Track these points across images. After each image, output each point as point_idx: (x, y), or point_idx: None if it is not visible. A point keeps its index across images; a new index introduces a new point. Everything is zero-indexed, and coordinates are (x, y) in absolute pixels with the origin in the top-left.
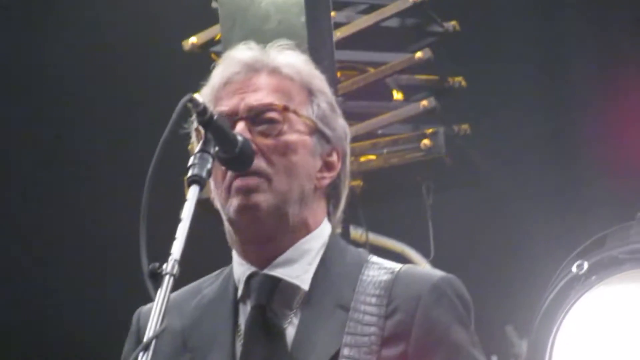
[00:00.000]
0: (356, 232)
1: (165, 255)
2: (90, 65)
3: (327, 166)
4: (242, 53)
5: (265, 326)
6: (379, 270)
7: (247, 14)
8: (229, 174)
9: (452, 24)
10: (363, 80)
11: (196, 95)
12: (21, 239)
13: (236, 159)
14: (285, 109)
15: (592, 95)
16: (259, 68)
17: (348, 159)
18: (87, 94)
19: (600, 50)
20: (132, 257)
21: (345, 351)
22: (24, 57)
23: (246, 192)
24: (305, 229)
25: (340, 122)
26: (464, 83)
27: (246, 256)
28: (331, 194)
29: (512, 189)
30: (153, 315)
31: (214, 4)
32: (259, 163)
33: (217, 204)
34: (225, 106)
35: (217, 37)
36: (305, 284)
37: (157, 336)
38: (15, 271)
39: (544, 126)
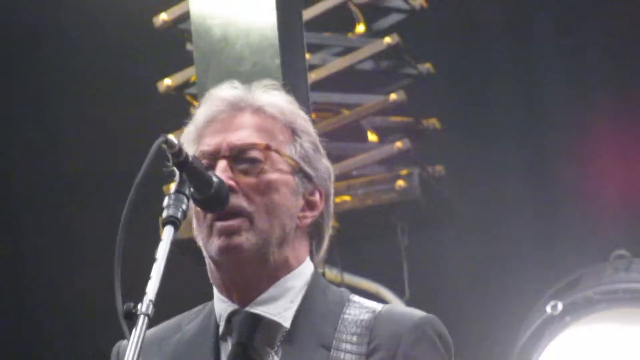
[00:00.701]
0: (331, 273)
1: (141, 295)
2: (65, 108)
3: (309, 205)
4: (227, 92)
5: None
6: (360, 309)
7: (222, 56)
8: (209, 214)
9: (426, 67)
10: (337, 122)
11: (170, 137)
12: None
13: (211, 199)
14: (268, 148)
15: (567, 137)
16: (242, 107)
17: (332, 199)
18: (64, 134)
19: (575, 90)
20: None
21: None
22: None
23: (228, 233)
24: (286, 267)
25: (324, 162)
26: (438, 125)
27: (227, 294)
28: (313, 233)
29: (487, 229)
30: (128, 355)
31: (188, 46)
32: (240, 202)
33: (199, 242)
34: (207, 145)
35: (192, 79)
36: (287, 321)
37: None
38: None
39: (518, 166)
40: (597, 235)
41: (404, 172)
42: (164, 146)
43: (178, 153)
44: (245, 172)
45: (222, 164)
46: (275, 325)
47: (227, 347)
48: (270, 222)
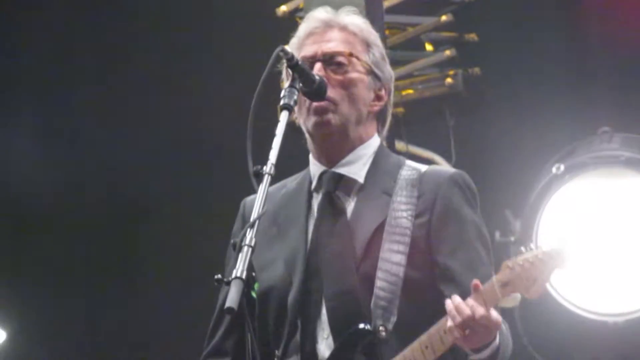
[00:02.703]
0: (399, 144)
1: (265, 159)
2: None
3: (378, 98)
4: (321, 14)
5: (332, 206)
6: (411, 170)
7: None
8: (308, 100)
9: None
10: (404, 36)
11: (286, 47)
12: None
13: (314, 91)
14: (350, 54)
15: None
16: (332, 25)
17: (392, 94)
18: (197, 54)
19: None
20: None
21: (391, 220)
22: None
23: (320, 112)
24: (360, 140)
25: (388, 68)
26: (476, 38)
27: (319, 159)
28: (379, 117)
29: (509, 113)
30: (256, 203)
31: None
32: (330, 92)
33: (300, 122)
34: (307, 51)
35: (301, 6)
36: (361, 178)
37: (260, 217)
38: None
39: (547, 62)
40: (588, 116)
41: (451, 72)
42: (281, 53)
43: (291, 58)
44: (334, 72)
45: (317, 65)
46: (352, 181)
47: (317, 197)
48: (350, 108)
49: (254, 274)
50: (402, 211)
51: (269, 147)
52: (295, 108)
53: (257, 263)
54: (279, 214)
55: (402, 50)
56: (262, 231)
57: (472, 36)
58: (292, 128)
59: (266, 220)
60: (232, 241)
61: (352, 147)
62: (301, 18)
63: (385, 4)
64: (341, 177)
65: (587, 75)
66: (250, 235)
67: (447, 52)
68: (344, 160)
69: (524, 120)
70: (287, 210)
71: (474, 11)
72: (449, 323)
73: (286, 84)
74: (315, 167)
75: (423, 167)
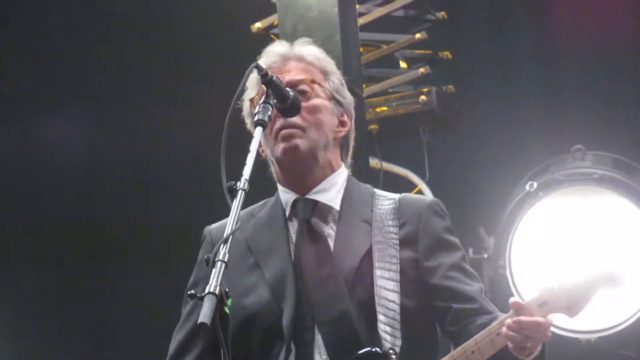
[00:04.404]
0: (373, 161)
1: (239, 175)
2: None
3: (342, 123)
4: (277, 48)
5: (311, 233)
6: (386, 199)
7: (296, 6)
8: (276, 126)
9: (441, 14)
10: (379, 53)
11: (260, 63)
12: None
13: (289, 107)
14: (312, 81)
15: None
16: (290, 57)
17: (353, 119)
18: (171, 70)
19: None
20: None
21: (376, 247)
22: None
23: (289, 138)
24: (330, 167)
25: (348, 94)
26: (450, 56)
27: (290, 186)
28: (343, 143)
29: (482, 130)
30: (230, 219)
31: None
32: (295, 119)
33: (268, 153)
34: None
35: (275, 22)
36: (336, 205)
37: (233, 232)
38: None
39: (502, 85)
40: (561, 134)
41: (425, 89)
42: (255, 69)
43: (265, 74)
44: None
45: None
46: (328, 208)
47: (293, 225)
48: (317, 133)
49: (226, 289)
50: (386, 240)
51: (243, 163)
52: (262, 141)
53: (235, 291)
54: (254, 243)
55: (376, 67)
56: (236, 261)
57: (446, 54)
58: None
59: (239, 250)
60: (192, 278)
61: (323, 175)
62: (275, 35)
63: (360, 21)
64: (316, 203)
65: (561, 93)
66: (223, 251)
67: (422, 70)
68: (317, 188)
69: (497, 138)
70: (262, 239)
71: (448, 29)
72: (504, 329)
73: (246, 103)
74: (286, 195)
75: (395, 196)
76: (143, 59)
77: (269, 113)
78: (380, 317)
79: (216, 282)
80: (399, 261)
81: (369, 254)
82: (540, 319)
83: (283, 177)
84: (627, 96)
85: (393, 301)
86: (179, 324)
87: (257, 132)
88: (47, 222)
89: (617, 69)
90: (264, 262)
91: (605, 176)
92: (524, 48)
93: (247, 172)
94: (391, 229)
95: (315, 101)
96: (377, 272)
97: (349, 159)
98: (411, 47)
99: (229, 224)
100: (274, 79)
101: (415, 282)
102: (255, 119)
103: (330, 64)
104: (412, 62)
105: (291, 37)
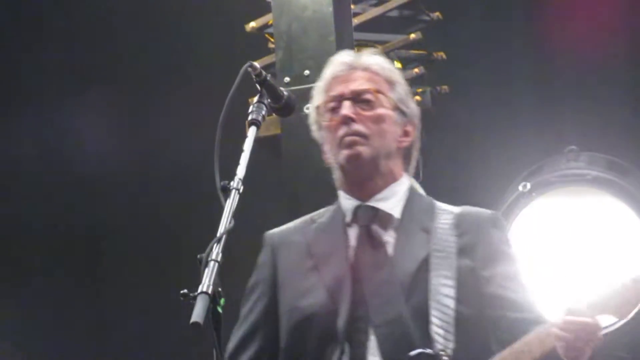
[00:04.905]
0: None
1: (233, 175)
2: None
3: (405, 133)
4: (344, 57)
5: (371, 239)
6: (446, 211)
7: (291, 5)
8: (340, 133)
9: (436, 14)
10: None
11: (254, 63)
12: None
13: (283, 106)
14: (377, 91)
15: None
16: (356, 67)
17: (419, 130)
18: (165, 70)
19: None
20: None
21: (434, 254)
22: None
23: (352, 145)
24: (392, 176)
25: (413, 105)
26: (445, 56)
27: (352, 193)
28: (406, 154)
29: (476, 131)
30: (223, 218)
31: None
32: (359, 127)
33: (331, 160)
34: (334, 91)
35: (270, 22)
36: (397, 214)
37: (227, 232)
38: None
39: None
40: (555, 134)
41: (419, 90)
42: (249, 69)
43: (259, 74)
44: (363, 109)
45: (346, 103)
46: (388, 216)
47: (353, 231)
48: (380, 141)
49: (219, 289)
50: (444, 249)
51: (237, 163)
52: (325, 147)
53: (291, 292)
54: (314, 247)
55: None
56: (296, 262)
57: (441, 54)
58: (260, 144)
59: (299, 251)
60: (251, 281)
61: (384, 183)
62: (270, 34)
63: (354, 21)
64: (377, 211)
65: (554, 94)
66: (216, 251)
67: (416, 70)
68: (379, 195)
69: (491, 138)
70: (322, 243)
71: (443, 29)
72: (554, 329)
73: (312, 112)
74: (348, 202)
75: (456, 208)
76: (136, 59)
77: (263, 112)
78: (434, 320)
79: (209, 281)
80: (456, 269)
81: (426, 261)
82: (588, 319)
83: (345, 183)
84: (621, 97)
85: (448, 306)
86: (238, 322)
87: (251, 132)
88: (47, 222)
89: (611, 69)
90: (323, 265)
91: (599, 177)
92: (519, 48)
93: (241, 171)
94: (450, 238)
95: (380, 111)
96: (434, 279)
97: (412, 169)
98: (406, 47)
99: (225, 224)
100: (267, 78)
101: (472, 290)
102: (249, 118)
103: (395, 74)
104: (407, 63)
105: (286, 37)
